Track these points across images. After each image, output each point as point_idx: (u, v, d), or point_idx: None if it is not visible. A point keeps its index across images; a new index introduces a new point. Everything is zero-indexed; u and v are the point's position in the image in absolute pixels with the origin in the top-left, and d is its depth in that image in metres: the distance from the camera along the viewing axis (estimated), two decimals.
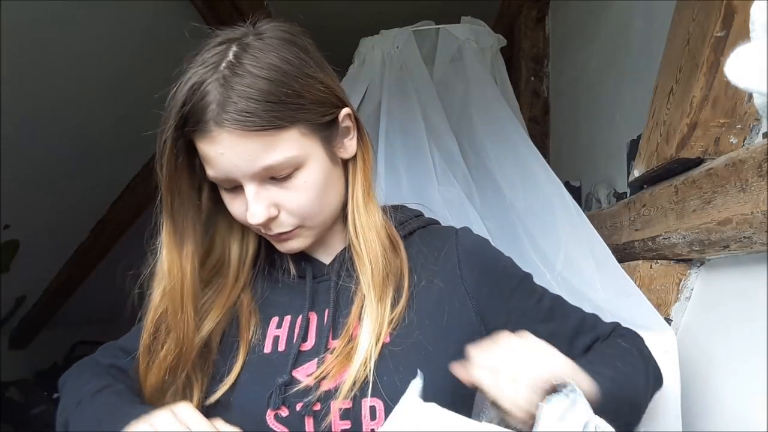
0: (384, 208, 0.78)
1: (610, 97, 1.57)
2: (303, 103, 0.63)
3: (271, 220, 0.67)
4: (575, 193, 1.70)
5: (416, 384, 0.54)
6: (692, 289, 1.04)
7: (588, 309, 1.02)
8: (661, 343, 0.90)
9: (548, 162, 1.32)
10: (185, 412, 0.59)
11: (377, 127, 1.37)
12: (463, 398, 0.70)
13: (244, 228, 0.75)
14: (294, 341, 0.70)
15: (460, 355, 0.65)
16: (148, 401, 0.69)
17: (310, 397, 0.64)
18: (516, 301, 0.75)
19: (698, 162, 0.95)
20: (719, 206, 0.84)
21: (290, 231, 0.69)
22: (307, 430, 0.65)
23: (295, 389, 0.65)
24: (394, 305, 0.69)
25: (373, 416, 0.64)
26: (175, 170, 0.65)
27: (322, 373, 0.65)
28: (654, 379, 0.74)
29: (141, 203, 3.02)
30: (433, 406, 0.54)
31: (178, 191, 0.67)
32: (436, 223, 0.83)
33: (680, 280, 1.04)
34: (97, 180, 2.74)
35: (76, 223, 2.97)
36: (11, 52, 1.75)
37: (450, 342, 0.69)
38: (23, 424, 2.62)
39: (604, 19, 1.64)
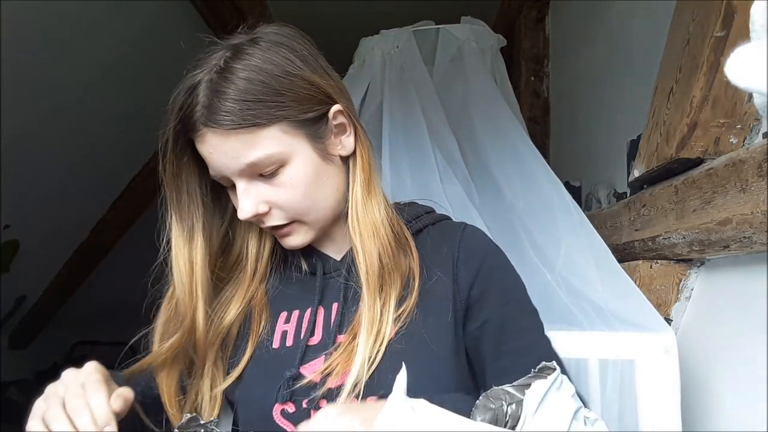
0: (395, 206, 0.80)
1: (610, 97, 1.57)
2: (282, 101, 0.64)
3: (262, 215, 0.69)
4: (575, 193, 1.70)
5: (401, 380, 0.54)
6: (692, 289, 1.04)
7: (588, 309, 1.03)
8: (661, 343, 0.90)
9: (548, 162, 1.32)
10: (88, 371, 0.62)
11: (380, 127, 1.37)
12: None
13: None
14: (302, 336, 0.70)
15: (462, 352, 0.66)
16: (162, 391, 0.70)
17: (315, 393, 0.65)
18: (499, 314, 0.72)
19: (698, 162, 0.95)
20: (719, 206, 0.84)
21: (285, 226, 0.71)
22: None
23: (299, 384, 0.66)
24: (400, 303, 0.69)
25: None
26: (178, 169, 0.69)
27: (327, 369, 0.66)
28: None
29: (141, 203, 3.02)
30: (421, 402, 0.53)
31: (184, 188, 0.70)
32: (448, 218, 0.83)
33: (680, 280, 1.04)
34: (97, 180, 2.74)
35: (76, 223, 2.97)
36: (11, 52, 1.75)
37: (453, 339, 0.69)
38: (23, 424, 2.61)
39: (604, 19, 1.64)
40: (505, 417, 0.55)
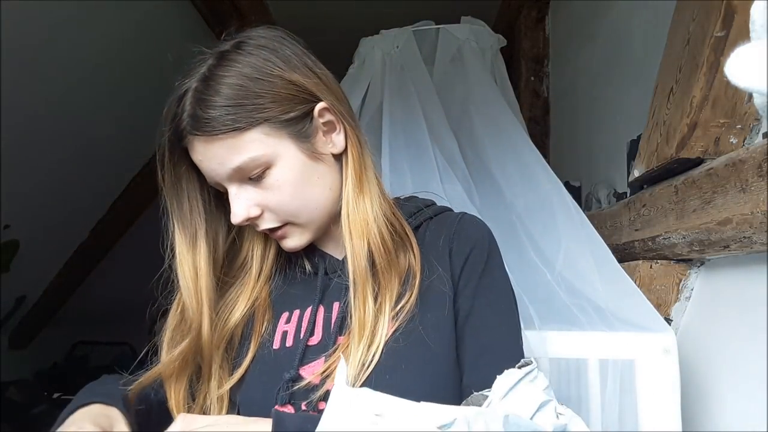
0: (395, 201, 0.79)
1: (610, 97, 1.57)
2: (262, 104, 0.65)
3: (255, 218, 0.69)
4: (575, 193, 1.70)
5: (341, 372, 0.53)
6: (692, 289, 1.04)
7: (588, 309, 1.03)
8: (661, 343, 0.90)
9: (548, 162, 1.32)
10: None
11: (380, 127, 1.37)
12: (464, 395, 0.70)
13: None
14: (302, 336, 0.70)
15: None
16: (170, 397, 0.70)
17: (314, 395, 0.65)
18: (467, 306, 0.71)
19: (698, 162, 0.95)
20: (719, 206, 0.84)
21: (279, 229, 0.71)
22: None
23: (298, 386, 0.66)
24: (399, 300, 0.69)
25: None
26: (177, 177, 0.70)
27: (326, 370, 0.66)
28: None
29: (141, 203, 3.02)
30: (365, 392, 0.53)
31: (185, 196, 0.71)
32: (448, 209, 0.81)
33: (680, 280, 1.04)
34: (97, 180, 2.74)
35: (76, 223, 2.97)
36: (11, 52, 1.75)
37: (452, 333, 0.69)
38: (23, 424, 2.62)
39: (604, 19, 1.64)
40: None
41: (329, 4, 2.38)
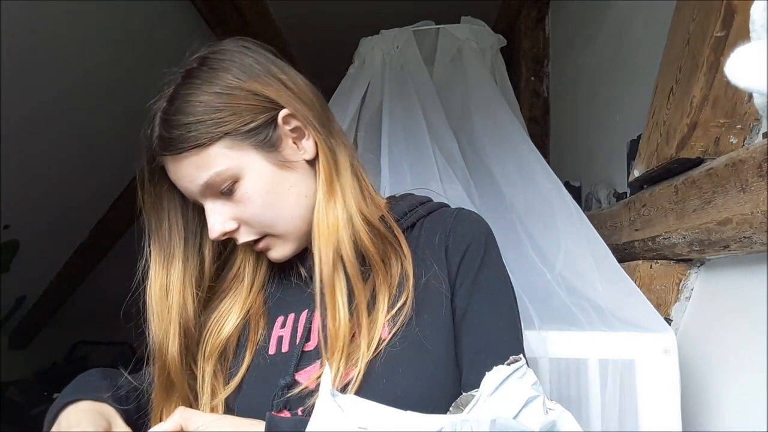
0: (390, 199, 0.78)
1: (610, 97, 1.57)
2: (221, 117, 0.65)
3: (232, 233, 0.70)
4: (575, 193, 1.70)
5: (326, 380, 0.53)
6: (692, 289, 1.04)
7: (588, 309, 1.03)
8: (661, 343, 0.90)
9: (548, 162, 1.32)
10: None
11: (380, 127, 1.37)
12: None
13: None
14: (297, 342, 0.69)
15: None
16: (155, 414, 0.70)
17: (311, 401, 0.64)
18: (463, 304, 0.70)
19: (698, 162, 0.95)
20: (719, 206, 0.84)
21: (259, 241, 0.71)
22: None
23: (294, 392, 0.65)
24: (393, 305, 0.67)
25: None
26: (158, 198, 0.71)
27: (321, 376, 0.65)
28: None
29: None
30: (350, 398, 0.52)
31: (165, 216, 0.72)
32: (445, 206, 0.79)
33: (680, 280, 1.04)
34: (97, 180, 2.74)
35: (76, 223, 2.97)
36: (11, 52, 1.75)
37: (450, 333, 0.68)
38: (23, 424, 2.62)
39: (604, 19, 1.64)
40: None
41: (329, 4, 2.38)
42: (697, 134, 0.93)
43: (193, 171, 0.66)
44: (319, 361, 0.67)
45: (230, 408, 0.69)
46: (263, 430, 0.56)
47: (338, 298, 0.66)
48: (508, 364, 0.55)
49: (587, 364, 0.94)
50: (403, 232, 0.74)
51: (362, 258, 0.69)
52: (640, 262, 1.09)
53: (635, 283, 1.03)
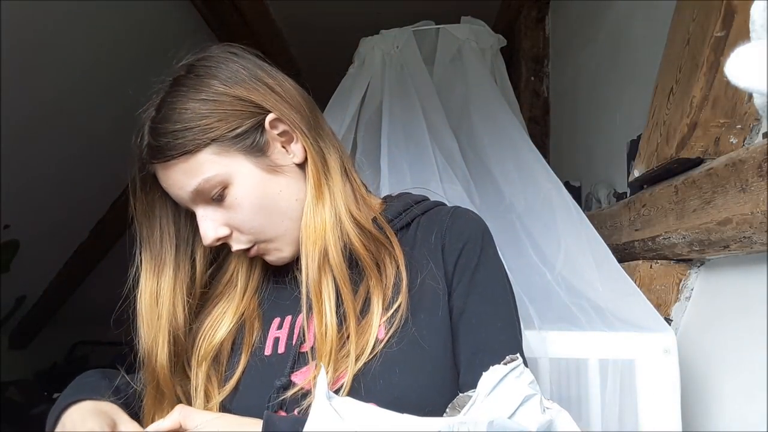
0: (384, 199, 0.79)
1: (610, 97, 1.57)
2: (208, 123, 0.65)
3: (225, 239, 0.70)
4: (575, 193, 1.70)
5: (321, 383, 0.52)
6: (692, 289, 1.04)
7: (588, 309, 1.03)
8: (661, 343, 0.90)
9: (548, 162, 1.32)
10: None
11: (379, 127, 1.37)
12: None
13: None
14: (294, 343, 0.69)
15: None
16: (147, 419, 0.70)
17: (306, 402, 0.63)
18: (461, 304, 0.69)
19: (698, 162, 0.95)
20: (719, 206, 0.84)
21: (251, 247, 0.71)
22: None
23: (290, 393, 0.65)
24: (389, 307, 0.67)
25: None
26: (150, 206, 0.72)
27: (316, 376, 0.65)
28: None
29: None
30: (346, 401, 0.52)
31: (157, 224, 0.72)
32: (441, 204, 0.79)
33: (680, 280, 1.04)
34: (97, 180, 2.74)
35: (76, 223, 2.97)
36: (11, 52, 1.75)
37: (447, 332, 0.68)
38: (23, 424, 2.62)
39: (604, 19, 1.64)
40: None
41: (329, 4, 2.38)
42: (697, 134, 0.93)
43: (182, 178, 0.66)
44: (314, 362, 0.67)
45: (227, 409, 0.69)
46: (261, 429, 0.56)
47: (325, 301, 0.66)
48: (505, 364, 0.55)
49: (587, 364, 0.94)
50: (399, 231, 0.74)
51: (354, 261, 0.69)
52: (640, 262, 1.09)
53: (635, 283, 1.03)
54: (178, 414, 0.58)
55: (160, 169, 0.67)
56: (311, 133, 0.70)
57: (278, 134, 0.69)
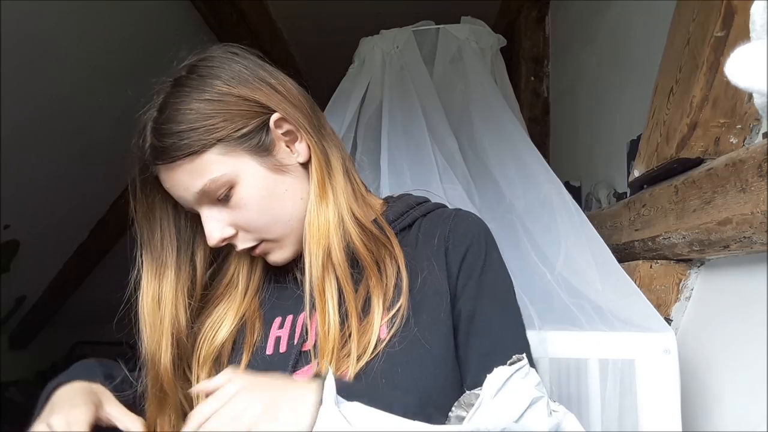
0: (385, 200, 0.79)
1: (610, 97, 1.57)
2: (213, 124, 0.65)
3: (230, 239, 0.69)
4: (575, 193, 1.70)
5: (329, 388, 0.52)
6: (692, 289, 1.04)
7: (588, 309, 1.03)
8: (661, 343, 0.90)
9: (548, 162, 1.32)
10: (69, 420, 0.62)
11: (379, 127, 1.37)
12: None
13: None
14: (295, 342, 0.69)
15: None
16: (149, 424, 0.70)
17: None
18: (470, 307, 0.70)
19: (698, 162, 0.95)
20: (719, 206, 0.84)
21: (256, 246, 0.71)
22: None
23: None
24: (391, 307, 0.67)
25: None
26: (150, 208, 0.71)
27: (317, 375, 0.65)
28: None
29: None
30: (354, 406, 0.52)
31: (158, 226, 0.72)
32: (442, 206, 0.80)
33: (680, 280, 1.04)
34: (97, 180, 2.74)
35: (76, 223, 2.97)
36: (11, 52, 1.75)
37: (448, 333, 0.68)
38: (23, 424, 2.61)
39: (604, 19, 1.64)
40: None
41: (329, 4, 2.38)
42: (697, 134, 0.93)
43: (187, 179, 0.66)
44: (316, 361, 0.67)
45: None
46: (317, 385, 0.54)
47: (328, 300, 0.66)
48: (510, 364, 0.55)
49: (587, 364, 0.94)
50: (400, 233, 0.74)
51: (354, 261, 0.69)
52: (640, 262, 1.09)
53: (635, 283, 1.03)
54: (226, 374, 0.57)
55: (163, 170, 0.67)
56: (315, 132, 0.71)
57: (282, 134, 0.69)
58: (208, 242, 0.69)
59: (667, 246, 1.01)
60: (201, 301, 0.75)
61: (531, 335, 0.93)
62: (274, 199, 0.68)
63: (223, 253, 0.78)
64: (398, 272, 0.70)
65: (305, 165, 0.71)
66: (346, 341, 0.65)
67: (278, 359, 0.69)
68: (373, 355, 0.64)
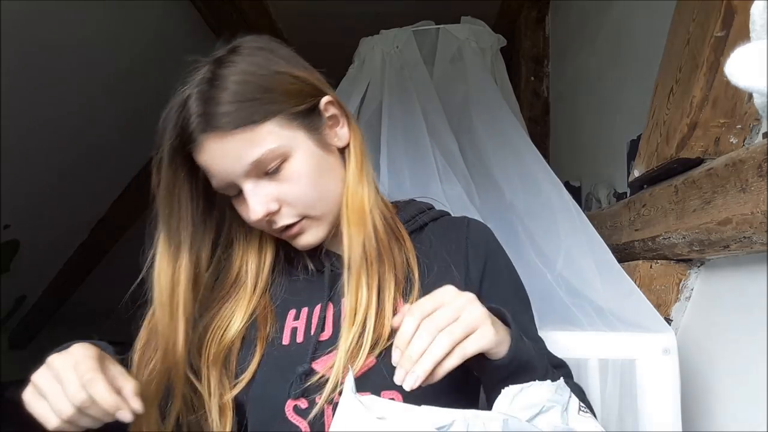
0: (395, 204, 0.80)
1: (610, 97, 1.57)
2: (274, 97, 0.66)
3: (273, 214, 0.69)
4: (575, 193, 1.70)
5: (349, 379, 0.54)
6: (692, 289, 1.04)
7: (588, 309, 1.03)
8: (661, 343, 0.90)
9: (548, 162, 1.32)
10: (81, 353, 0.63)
11: (379, 127, 1.37)
12: (471, 392, 0.72)
13: (261, 239, 0.77)
14: (312, 332, 0.70)
15: None
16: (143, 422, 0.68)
17: (328, 389, 0.65)
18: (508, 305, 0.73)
19: (698, 162, 0.95)
20: (719, 206, 0.84)
21: (296, 224, 0.71)
22: (327, 419, 0.65)
23: (312, 380, 0.66)
24: (405, 296, 0.69)
25: None
26: (174, 186, 0.69)
27: (335, 365, 0.66)
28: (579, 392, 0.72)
29: (141, 203, 3.02)
30: (371, 398, 0.53)
31: (176, 207, 0.70)
32: (447, 214, 0.83)
33: (680, 280, 1.04)
34: (97, 180, 2.74)
35: (76, 223, 2.97)
36: (11, 52, 1.75)
37: None
38: (23, 424, 2.62)
39: (604, 19, 1.64)
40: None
41: (329, 4, 2.38)
42: (697, 134, 0.93)
43: (242, 148, 0.65)
44: (335, 350, 0.67)
45: (242, 401, 0.69)
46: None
47: (362, 278, 0.68)
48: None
49: (587, 364, 0.94)
50: (412, 234, 0.77)
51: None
52: (640, 262, 1.09)
53: (635, 283, 1.03)
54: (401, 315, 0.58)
55: (214, 140, 0.64)
56: (354, 121, 0.75)
57: (328, 117, 0.72)
58: (251, 216, 0.68)
59: (667, 246, 1.01)
60: (204, 301, 0.75)
61: None
62: (322, 176, 0.70)
63: (225, 253, 0.78)
64: (409, 264, 0.72)
65: (341, 151, 0.74)
66: (365, 328, 0.66)
67: (295, 349, 0.70)
68: (388, 344, 0.65)
